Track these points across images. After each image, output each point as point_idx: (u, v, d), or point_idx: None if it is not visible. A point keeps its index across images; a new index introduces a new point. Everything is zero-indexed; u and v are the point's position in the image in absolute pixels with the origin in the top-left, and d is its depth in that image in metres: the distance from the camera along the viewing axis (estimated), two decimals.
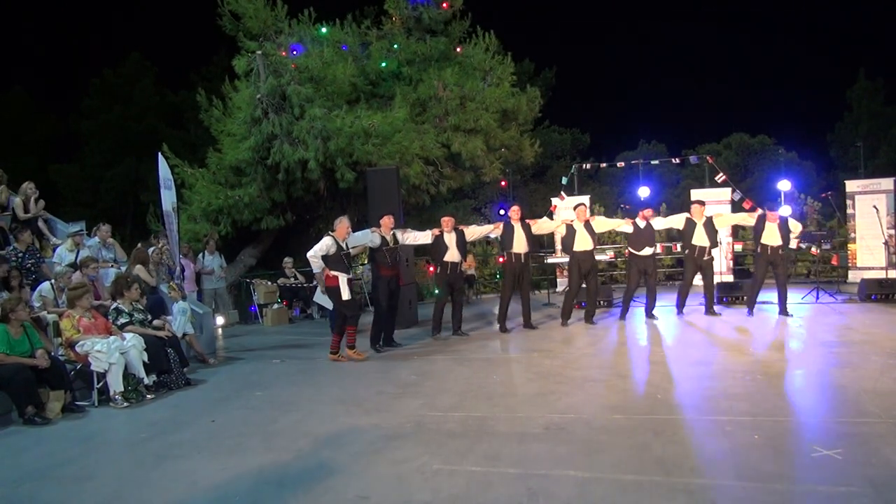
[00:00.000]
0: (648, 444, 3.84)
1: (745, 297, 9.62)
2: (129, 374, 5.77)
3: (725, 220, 9.10)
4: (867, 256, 11.13)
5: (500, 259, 10.54)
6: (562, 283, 12.59)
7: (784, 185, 12.66)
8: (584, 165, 13.91)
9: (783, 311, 8.30)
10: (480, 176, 13.66)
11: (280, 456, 4.00)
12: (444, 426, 4.40)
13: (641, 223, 8.45)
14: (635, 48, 47.57)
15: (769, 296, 10.17)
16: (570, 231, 8.32)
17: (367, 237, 7.52)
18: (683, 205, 15.45)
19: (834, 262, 11.32)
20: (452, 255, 7.91)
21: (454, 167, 12.95)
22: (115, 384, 5.60)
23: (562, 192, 12.97)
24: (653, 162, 13.58)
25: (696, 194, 12.79)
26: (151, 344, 6.14)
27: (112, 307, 6.47)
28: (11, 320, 5.28)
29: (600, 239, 12.02)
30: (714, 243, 8.52)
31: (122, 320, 6.32)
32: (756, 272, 8.74)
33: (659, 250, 12.26)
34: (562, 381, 5.48)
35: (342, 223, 7.07)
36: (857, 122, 24.49)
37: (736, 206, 11.61)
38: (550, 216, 8.44)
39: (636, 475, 3.37)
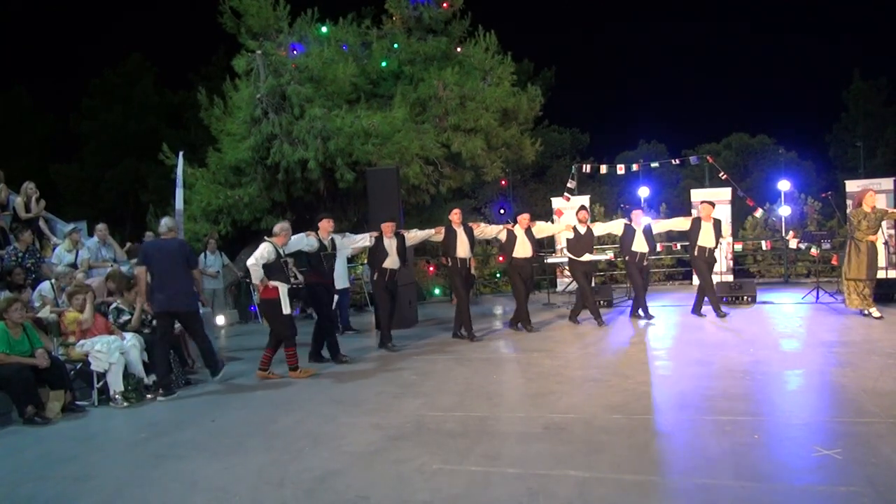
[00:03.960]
0: (648, 444, 3.84)
1: (746, 297, 9.66)
2: (129, 374, 5.77)
3: (663, 225, 9.31)
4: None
5: (500, 258, 10.51)
6: (562, 284, 12.59)
7: (784, 185, 12.67)
8: (584, 167, 13.90)
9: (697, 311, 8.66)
10: (481, 175, 13.63)
11: (280, 456, 4.00)
12: (444, 426, 4.40)
13: (582, 229, 8.43)
14: (635, 48, 47.56)
15: (770, 296, 10.20)
16: (511, 237, 8.16)
17: (303, 241, 6.95)
18: (684, 204, 15.48)
19: (834, 262, 11.30)
20: (392, 260, 7.58)
21: (454, 167, 12.93)
22: (116, 384, 5.60)
23: (566, 194, 12.98)
24: (652, 165, 13.56)
25: (696, 194, 12.82)
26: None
27: (112, 307, 6.47)
28: (7, 321, 5.27)
29: (600, 240, 11.97)
30: (717, 244, 8.60)
31: (122, 319, 6.32)
32: (701, 276, 8.67)
33: (659, 249, 12.26)
34: (562, 381, 5.48)
35: (284, 230, 6.54)
36: (855, 123, 24.50)
37: (738, 205, 11.62)
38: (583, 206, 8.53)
39: (636, 475, 3.37)
